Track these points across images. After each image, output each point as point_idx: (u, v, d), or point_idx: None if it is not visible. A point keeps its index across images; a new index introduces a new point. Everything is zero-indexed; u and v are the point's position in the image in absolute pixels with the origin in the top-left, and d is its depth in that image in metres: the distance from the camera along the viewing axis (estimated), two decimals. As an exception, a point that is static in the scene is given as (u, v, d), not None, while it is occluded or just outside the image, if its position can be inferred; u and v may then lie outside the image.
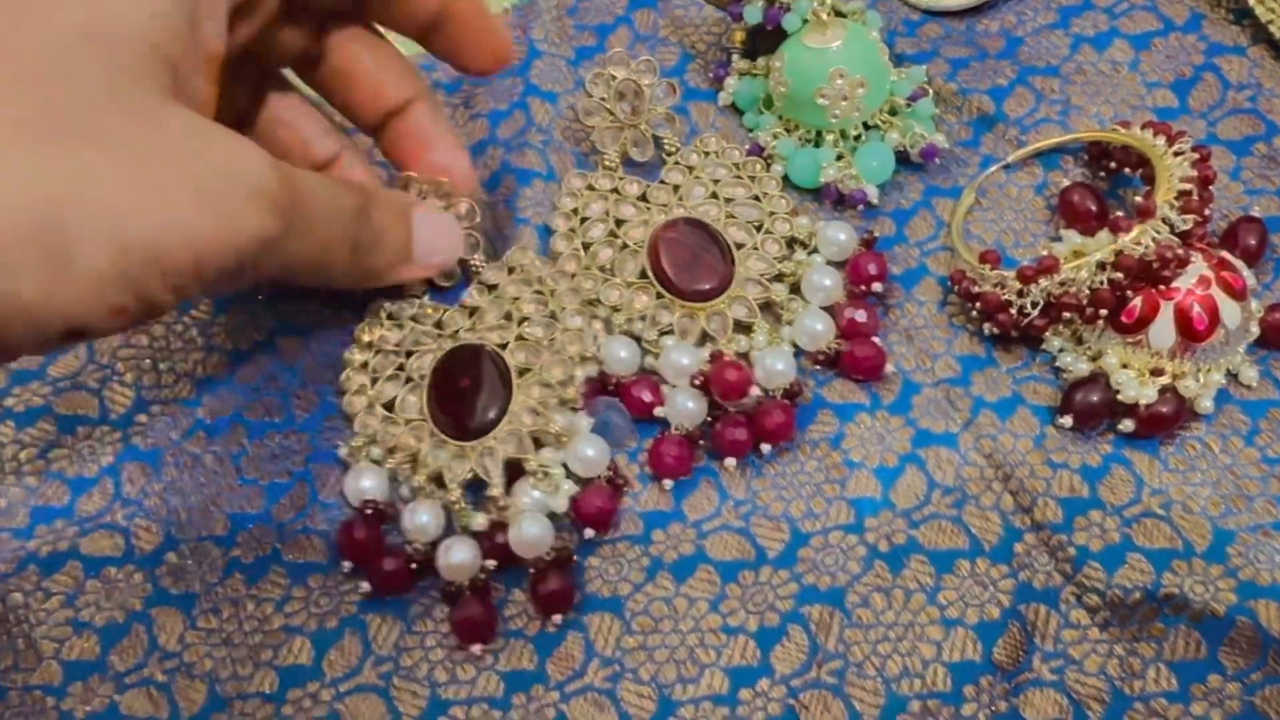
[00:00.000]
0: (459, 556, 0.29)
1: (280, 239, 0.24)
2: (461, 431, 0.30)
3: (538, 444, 0.31)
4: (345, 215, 0.27)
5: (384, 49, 0.32)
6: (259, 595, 0.30)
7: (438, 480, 0.30)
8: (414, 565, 0.30)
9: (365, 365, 0.32)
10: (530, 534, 0.29)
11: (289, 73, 0.32)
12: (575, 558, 0.30)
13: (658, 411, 0.31)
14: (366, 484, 0.30)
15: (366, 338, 0.33)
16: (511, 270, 0.34)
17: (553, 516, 0.30)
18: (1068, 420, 0.31)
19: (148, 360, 0.34)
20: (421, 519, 0.30)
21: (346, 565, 0.30)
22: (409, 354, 0.32)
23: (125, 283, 0.21)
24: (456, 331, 0.32)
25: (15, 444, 0.33)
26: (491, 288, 0.33)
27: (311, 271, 0.28)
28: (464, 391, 0.31)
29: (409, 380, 0.32)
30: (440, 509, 0.30)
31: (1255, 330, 0.31)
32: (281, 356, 0.34)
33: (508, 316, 0.32)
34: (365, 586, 0.30)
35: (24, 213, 0.20)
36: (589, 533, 0.30)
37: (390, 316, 0.33)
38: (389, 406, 0.32)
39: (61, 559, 0.31)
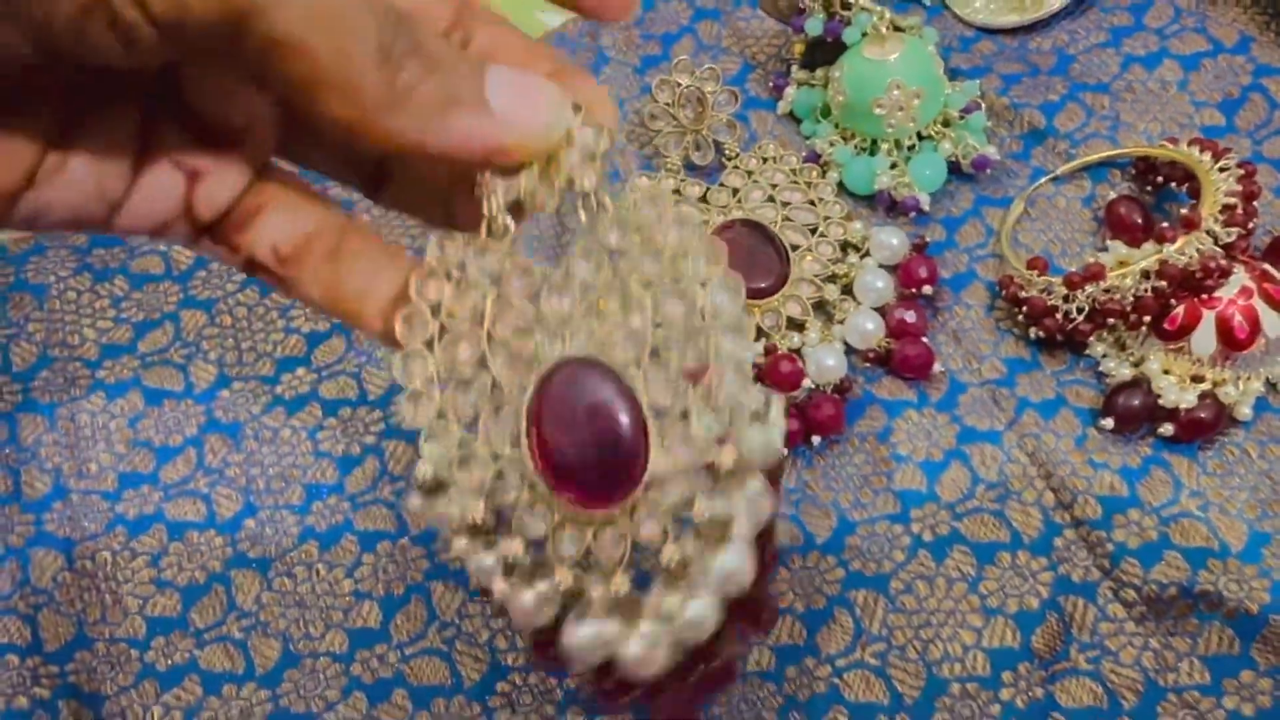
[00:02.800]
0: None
1: None
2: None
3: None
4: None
5: (515, 30, 0.24)
6: (331, 561, 0.32)
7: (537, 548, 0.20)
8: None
9: (429, 345, 0.21)
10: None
11: None
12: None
13: (714, 401, 0.33)
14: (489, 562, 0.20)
15: (424, 298, 0.21)
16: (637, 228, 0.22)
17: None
18: (1109, 422, 0.32)
19: (230, 340, 0.36)
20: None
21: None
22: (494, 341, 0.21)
23: None
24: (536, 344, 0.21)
25: (106, 414, 0.35)
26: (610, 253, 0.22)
27: (317, 67, 0.18)
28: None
29: (494, 387, 0.21)
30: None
31: (1295, 342, 0.32)
32: (357, 339, 0.36)
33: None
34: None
35: None
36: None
37: (460, 266, 0.21)
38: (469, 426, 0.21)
39: (147, 522, 0.33)
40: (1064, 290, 0.32)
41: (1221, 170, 0.33)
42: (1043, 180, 0.36)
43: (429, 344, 0.21)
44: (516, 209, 0.21)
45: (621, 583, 0.19)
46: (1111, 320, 0.32)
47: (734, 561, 0.19)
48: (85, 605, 0.32)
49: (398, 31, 0.19)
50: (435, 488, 0.20)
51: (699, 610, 0.19)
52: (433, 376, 0.21)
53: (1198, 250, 0.31)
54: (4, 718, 0.30)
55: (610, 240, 0.21)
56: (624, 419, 0.20)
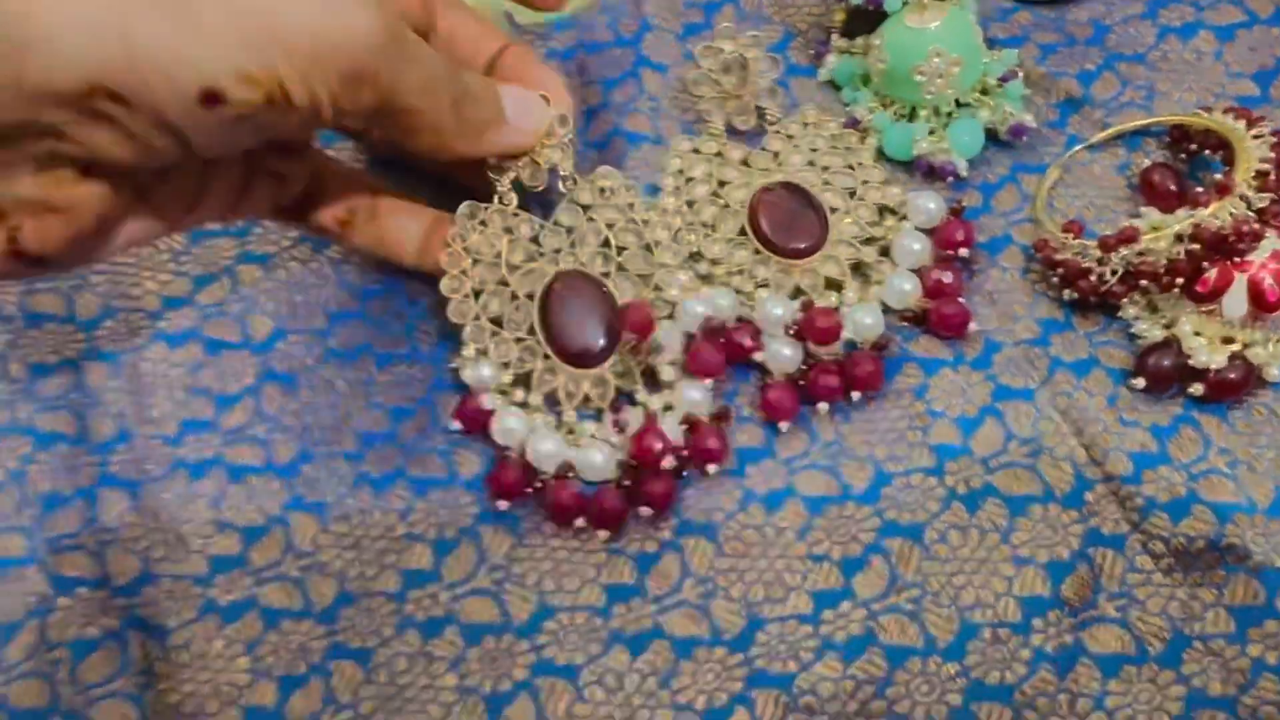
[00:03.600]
0: (599, 460, 0.32)
1: (389, 60, 0.26)
2: (574, 359, 0.33)
3: (648, 377, 0.34)
4: (440, 64, 0.29)
5: (472, 13, 0.35)
6: (384, 506, 0.33)
7: (550, 398, 0.33)
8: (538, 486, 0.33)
9: (464, 272, 0.34)
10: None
11: None
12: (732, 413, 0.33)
13: (756, 356, 0.34)
14: (512, 424, 0.33)
15: (461, 243, 0.34)
16: (602, 191, 0.35)
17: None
18: (1140, 382, 0.33)
19: (284, 292, 0.37)
20: (546, 448, 0.33)
21: (503, 505, 0.33)
22: (511, 268, 0.34)
23: (249, 48, 0.24)
24: (558, 250, 0.34)
25: (166, 362, 0.36)
26: (584, 207, 0.35)
27: (422, 119, 0.29)
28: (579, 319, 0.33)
29: (514, 297, 0.34)
30: (557, 437, 0.33)
31: (1325, 306, 0.33)
32: (407, 293, 0.37)
33: (605, 243, 0.35)
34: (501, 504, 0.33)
35: None
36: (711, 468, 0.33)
37: (482, 224, 0.34)
38: (496, 320, 0.34)
39: (208, 465, 0.34)
40: (1098, 253, 0.33)
41: (1255, 138, 0.34)
42: (1078, 147, 0.37)
43: (464, 271, 0.34)
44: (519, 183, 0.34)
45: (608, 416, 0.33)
46: (1144, 282, 0.33)
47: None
48: (150, 544, 0.33)
49: (457, 84, 0.30)
50: (475, 360, 0.33)
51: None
52: (468, 292, 0.34)
53: (1231, 214, 0.32)
54: (77, 645, 0.31)
55: (584, 199, 0.35)
56: (604, 306, 0.33)
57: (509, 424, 0.33)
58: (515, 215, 0.34)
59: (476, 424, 0.33)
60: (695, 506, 0.33)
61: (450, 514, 0.33)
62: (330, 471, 0.34)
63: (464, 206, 0.34)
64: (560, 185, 0.35)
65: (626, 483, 0.32)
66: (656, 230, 0.35)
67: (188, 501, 0.34)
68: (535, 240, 0.35)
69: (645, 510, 0.32)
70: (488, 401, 0.33)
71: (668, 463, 0.32)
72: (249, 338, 0.37)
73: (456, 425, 0.34)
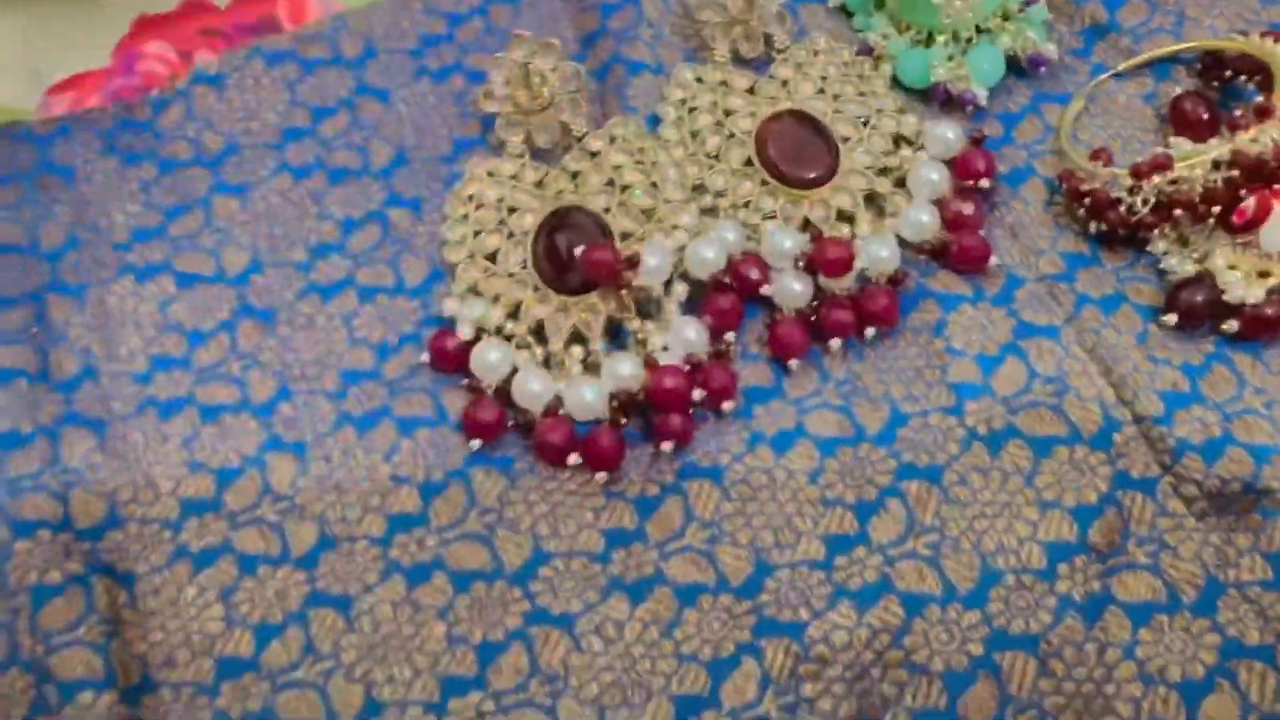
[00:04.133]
0: (590, 396, 0.30)
1: None
2: (566, 287, 0.32)
3: (639, 310, 0.32)
4: None
5: None
6: (368, 446, 0.31)
7: (537, 332, 0.32)
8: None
9: (466, 218, 0.34)
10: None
11: None
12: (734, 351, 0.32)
13: (764, 290, 0.32)
14: (494, 356, 0.31)
15: (467, 191, 0.34)
16: (613, 139, 0.34)
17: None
18: (1172, 318, 0.31)
19: (263, 225, 0.35)
20: (533, 387, 0.31)
21: (475, 444, 0.31)
22: (510, 210, 0.33)
23: None
24: (560, 193, 0.33)
25: (135, 296, 0.34)
26: (593, 154, 0.34)
27: None
28: (570, 251, 0.31)
29: (511, 235, 0.33)
30: (545, 375, 0.31)
31: (1366, 239, 0.31)
32: (393, 227, 0.35)
33: (609, 183, 0.33)
34: (474, 444, 0.31)
35: None
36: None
37: (490, 174, 0.34)
38: (491, 259, 0.33)
39: (179, 404, 0.32)
40: (1129, 182, 0.31)
41: (1295, 61, 0.32)
42: (1104, 76, 0.35)
43: (465, 216, 0.33)
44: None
45: (599, 346, 0.31)
46: (1178, 212, 0.31)
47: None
48: (117, 485, 0.31)
49: None
50: (465, 297, 0.32)
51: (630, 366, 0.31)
52: (465, 235, 0.33)
53: (1272, 139, 0.30)
54: (38, 590, 0.29)
55: (594, 146, 0.34)
56: (601, 238, 0.32)
57: (490, 356, 0.31)
58: (523, 164, 0.34)
59: (449, 359, 0.31)
60: (699, 448, 0.31)
61: (438, 455, 0.31)
62: (310, 410, 0.32)
63: (475, 163, 0.34)
64: (573, 129, 0.35)
65: (623, 420, 0.30)
66: (666, 170, 0.33)
67: (158, 442, 0.32)
68: (539, 184, 0.34)
69: (666, 445, 0.30)
70: (468, 332, 0.31)
71: (697, 394, 0.30)
72: (223, 271, 0.34)
73: (424, 358, 0.32)
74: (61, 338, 0.33)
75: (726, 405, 0.30)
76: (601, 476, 0.30)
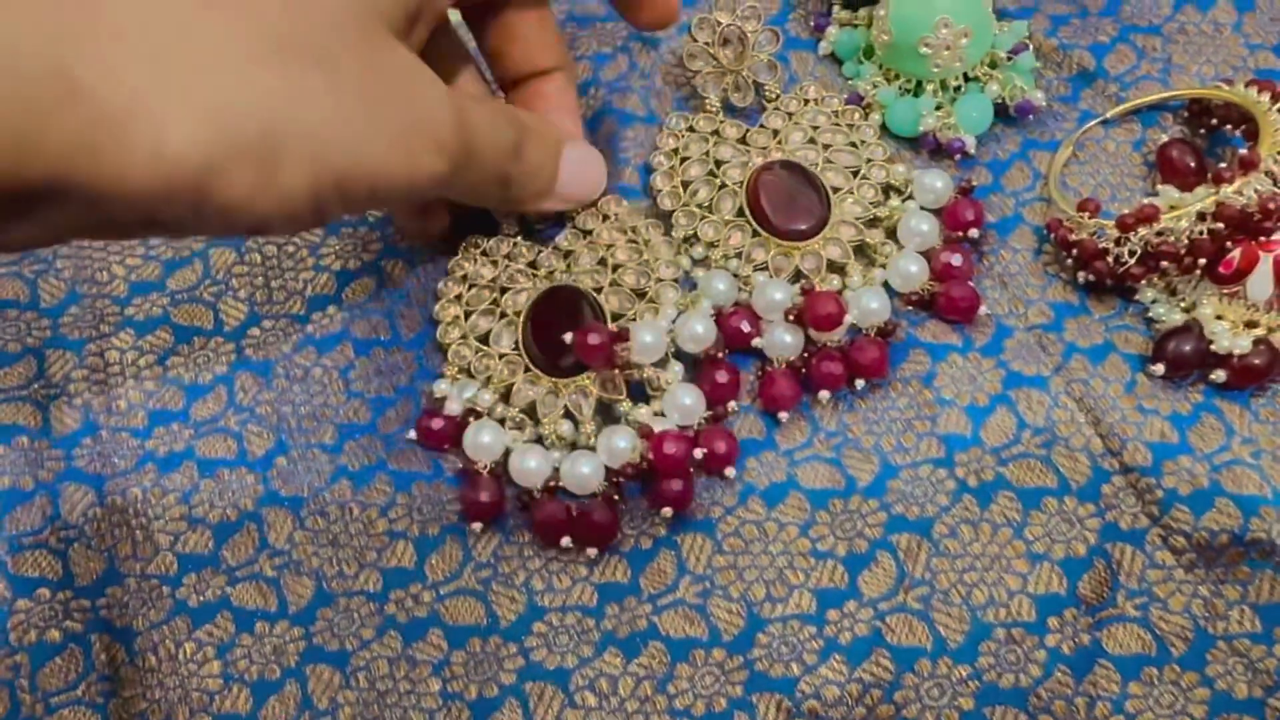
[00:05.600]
0: (587, 470, 0.30)
1: (446, 178, 0.26)
2: (557, 369, 0.32)
3: (630, 388, 0.32)
4: (503, 152, 0.29)
5: (547, 13, 0.32)
6: (364, 501, 0.32)
7: (529, 412, 0.32)
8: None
9: (459, 298, 0.34)
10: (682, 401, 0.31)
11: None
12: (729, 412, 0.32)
13: (755, 343, 0.32)
14: (487, 439, 0.31)
15: (460, 271, 0.34)
16: (605, 217, 0.34)
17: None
18: (1159, 368, 0.31)
19: (260, 278, 0.35)
20: (529, 464, 0.30)
21: (476, 527, 0.31)
22: (503, 290, 0.33)
23: (311, 199, 0.23)
24: (552, 272, 0.33)
25: (135, 350, 0.34)
26: (586, 233, 0.34)
27: (459, 197, 0.31)
28: (559, 337, 0.31)
29: (503, 316, 0.33)
30: (541, 451, 0.31)
31: (1352, 288, 0.32)
32: (388, 279, 0.35)
33: (601, 262, 0.33)
34: (477, 527, 0.31)
35: (251, 127, 0.22)
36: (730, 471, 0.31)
37: (484, 253, 0.34)
38: (483, 340, 0.33)
39: (178, 459, 0.33)
40: (1115, 233, 0.31)
41: (1280, 111, 0.32)
42: (1092, 123, 0.36)
43: (458, 296, 0.34)
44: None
45: (592, 427, 0.31)
46: (1165, 263, 0.31)
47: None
48: (116, 541, 0.31)
49: (515, 165, 0.29)
50: (456, 379, 0.32)
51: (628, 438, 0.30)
52: (459, 315, 0.33)
53: (1256, 191, 0.30)
54: (37, 650, 0.30)
55: (586, 225, 0.34)
56: (592, 319, 0.32)
57: (484, 439, 0.31)
58: (515, 243, 0.34)
59: (435, 439, 0.32)
60: (692, 500, 0.31)
61: (434, 509, 0.31)
62: (307, 465, 0.32)
63: (468, 241, 0.34)
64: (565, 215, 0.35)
65: (615, 497, 0.30)
66: (659, 249, 0.34)
67: (156, 497, 0.32)
68: (533, 264, 0.34)
69: (666, 511, 0.30)
70: (456, 409, 0.32)
71: (698, 453, 0.30)
72: (222, 324, 0.35)
73: (412, 436, 0.32)
74: (61, 393, 0.33)
75: (729, 471, 0.31)
76: (592, 552, 0.30)
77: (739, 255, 0.34)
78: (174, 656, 0.30)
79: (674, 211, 0.35)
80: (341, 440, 0.33)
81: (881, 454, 0.31)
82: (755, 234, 0.34)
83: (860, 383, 0.32)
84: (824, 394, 0.32)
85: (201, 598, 0.31)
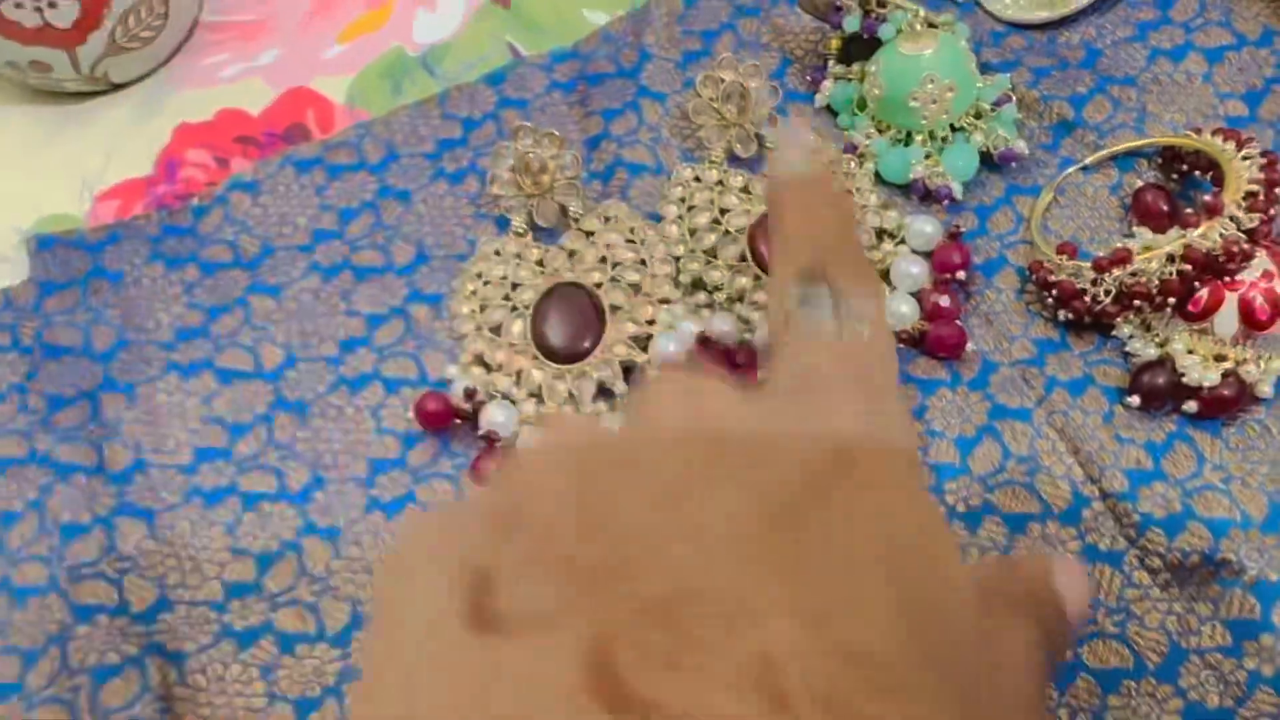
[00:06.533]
0: None
1: None
2: (559, 359, 0.36)
3: (627, 373, 0.36)
4: None
5: None
6: (395, 530, 0.34)
7: (537, 396, 0.35)
8: None
9: (474, 293, 0.37)
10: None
11: None
12: None
13: (757, 380, 0.35)
14: (500, 418, 0.35)
15: (475, 269, 0.38)
16: (607, 219, 0.38)
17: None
18: (1135, 400, 0.33)
19: (295, 323, 0.38)
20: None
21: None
22: (514, 286, 0.37)
23: None
24: (558, 269, 0.37)
25: (181, 393, 0.37)
26: (588, 234, 0.38)
27: None
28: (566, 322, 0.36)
29: (514, 309, 0.37)
30: None
31: (1315, 323, 0.34)
32: (415, 324, 0.38)
33: (602, 259, 0.37)
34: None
35: None
36: None
37: (496, 252, 0.38)
38: (495, 330, 0.37)
39: (222, 493, 0.35)
40: (1092, 274, 0.34)
41: (1244, 159, 0.34)
42: (1071, 169, 0.38)
43: (474, 292, 0.37)
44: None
45: (595, 410, 0.35)
46: (1138, 302, 0.33)
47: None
48: (167, 570, 0.34)
49: None
50: (469, 366, 0.36)
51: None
52: (474, 311, 0.37)
53: (1221, 235, 0.33)
54: (97, 672, 0.32)
55: (589, 226, 0.38)
56: (592, 310, 0.36)
57: (497, 417, 0.35)
58: (525, 244, 0.38)
59: (434, 420, 0.35)
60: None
61: (460, 538, 0.34)
62: (342, 498, 0.35)
63: (484, 243, 0.38)
64: (571, 213, 0.39)
65: None
66: (655, 248, 0.37)
67: (203, 529, 0.35)
68: (540, 262, 0.38)
69: None
70: (459, 393, 0.35)
71: None
72: (261, 366, 0.37)
73: (410, 415, 0.35)
74: (114, 434, 0.36)
75: None
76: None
77: (742, 298, 0.36)
78: (221, 677, 0.32)
79: (681, 257, 0.37)
80: (374, 474, 0.35)
81: (876, 483, 0.34)
82: (757, 278, 0.36)
83: (856, 416, 0.34)
84: (822, 427, 0.34)
85: (246, 623, 0.33)
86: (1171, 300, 0.33)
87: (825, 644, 0.15)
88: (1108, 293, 0.34)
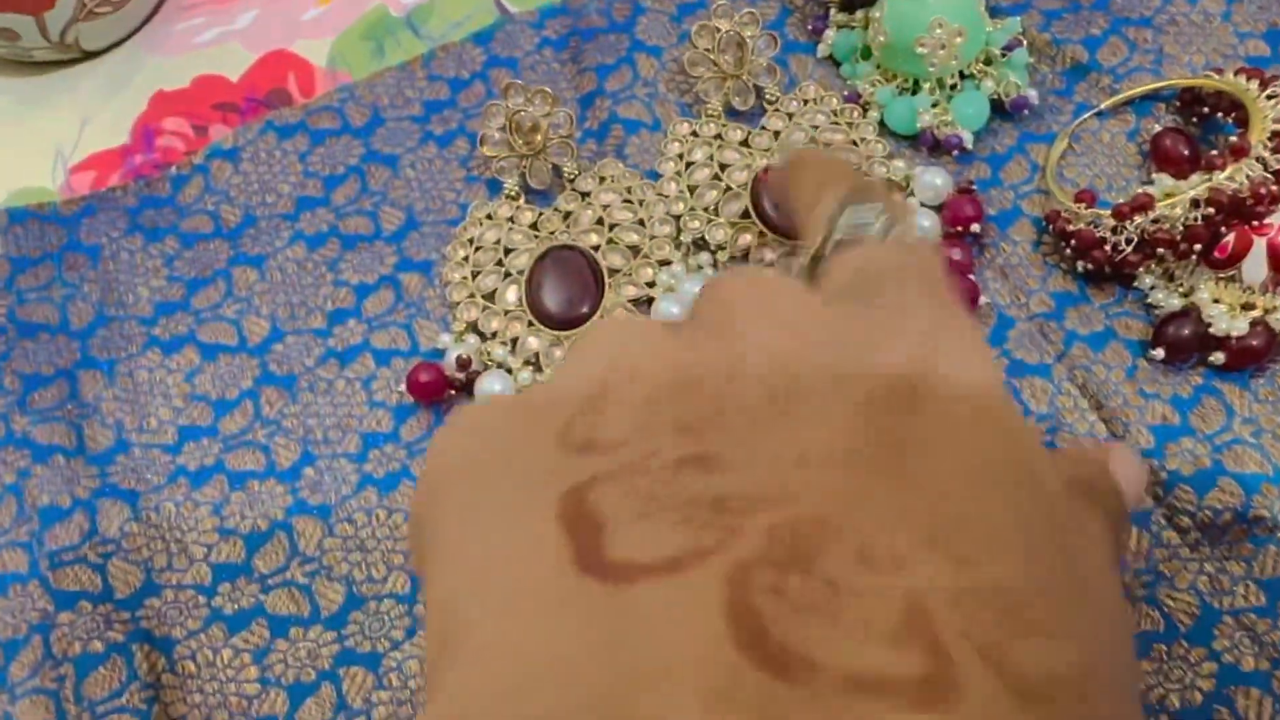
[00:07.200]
0: None
1: None
2: (555, 325, 0.34)
3: None
4: None
5: None
6: (390, 506, 0.33)
7: (533, 364, 0.34)
8: None
9: (466, 259, 0.36)
10: None
11: None
12: None
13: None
14: (497, 386, 0.33)
15: (467, 235, 0.36)
16: (603, 179, 0.37)
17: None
18: (1159, 353, 0.32)
19: (280, 294, 0.37)
20: None
21: None
22: (508, 251, 0.36)
23: None
24: (553, 232, 0.36)
25: (163, 369, 0.35)
26: (584, 194, 0.36)
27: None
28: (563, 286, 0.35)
29: (507, 275, 0.35)
30: None
31: (1346, 268, 0.32)
32: (405, 292, 0.36)
33: (599, 221, 0.36)
34: None
35: None
36: None
37: (489, 216, 0.36)
38: (489, 297, 0.35)
39: (208, 473, 0.34)
40: (1112, 222, 0.32)
41: (1270, 98, 0.33)
42: (1086, 115, 0.36)
43: (465, 259, 0.36)
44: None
45: None
46: (1161, 250, 0.32)
47: None
48: (152, 554, 0.33)
49: None
50: (463, 335, 0.35)
51: None
52: (466, 277, 0.35)
53: (1248, 177, 0.31)
54: (81, 661, 0.31)
55: (584, 187, 0.36)
56: (589, 274, 0.35)
57: (494, 386, 0.33)
58: (518, 206, 0.37)
59: (427, 392, 0.34)
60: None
61: (457, 513, 0.32)
62: (333, 474, 0.34)
63: (475, 207, 0.37)
64: (565, 173, 0.37)
65: None
66: (653, 208, 0.36)
67: (189, 510, 0.33)
68: (534, 226, 0.36)
69: None
70: (451, 358, 0.34)
71: None
72: (245, 340, 0.36)
73: (402, 388, 0.34)
74: (94, 413, 0.35)
75: None
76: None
77: (746, 255, 0.35)
78: (212, 663, 0.31)
79: (681, 216, 0.36)
80: (366, 449, 0.34)
81: (890, 445, 0.32)
82: (761, 235, 0.35)
83: (867, 376, 0.33)
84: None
85: (236, 606, 0.32)
86: (1197, 247, 0.32)
87: (968, 582, 0.13)
88: (1129, 241, 0.32)
